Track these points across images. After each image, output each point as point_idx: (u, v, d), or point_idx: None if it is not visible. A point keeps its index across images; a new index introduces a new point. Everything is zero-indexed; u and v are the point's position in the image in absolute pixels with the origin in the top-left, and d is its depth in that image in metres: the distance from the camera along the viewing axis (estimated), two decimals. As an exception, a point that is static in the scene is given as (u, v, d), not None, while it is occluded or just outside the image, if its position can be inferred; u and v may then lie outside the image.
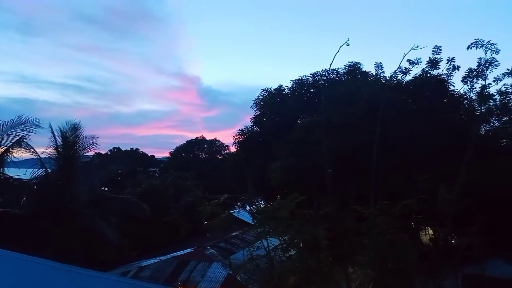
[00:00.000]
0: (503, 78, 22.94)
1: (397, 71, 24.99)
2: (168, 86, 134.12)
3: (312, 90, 26.40)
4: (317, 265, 11.09)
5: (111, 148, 51.77)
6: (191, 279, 21.45)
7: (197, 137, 49.54)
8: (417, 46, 14.15)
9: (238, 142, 28.04)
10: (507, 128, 24.51)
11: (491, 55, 18.96)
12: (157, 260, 22.94)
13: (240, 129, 28.41)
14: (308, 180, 20.54)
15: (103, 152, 47.30)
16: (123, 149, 53.93)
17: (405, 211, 11.16)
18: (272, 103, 26.82)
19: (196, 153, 48.58)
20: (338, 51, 13.42)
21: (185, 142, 49.59)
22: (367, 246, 11.19)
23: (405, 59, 24.88)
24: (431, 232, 21.08)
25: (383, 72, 24.85)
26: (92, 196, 22.76)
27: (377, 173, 13.23)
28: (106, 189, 33.94)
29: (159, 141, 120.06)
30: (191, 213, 28.69)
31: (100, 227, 21.49)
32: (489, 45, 18.39)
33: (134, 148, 55.04)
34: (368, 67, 26.96)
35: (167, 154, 52.32)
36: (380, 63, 24.48)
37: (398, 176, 17.02)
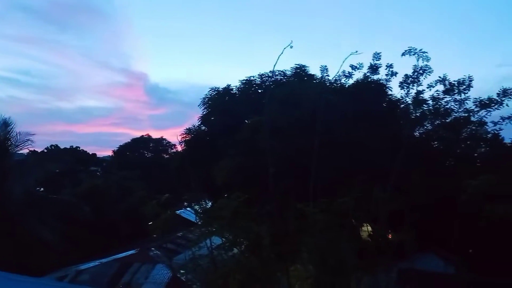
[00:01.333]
0: (436, 85, 24.92)
1: (340, 75, 26.18)
2: (113, 82, 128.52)
3: (260, 91, 26.69)
4: (260, 263, 11.27)
5: (48, 146, 48.71)
6: (134, 281, 20.93)
7: (142, 136, 48.04)
8: (356, 52, 14.85)
9: (185, 141, 27.62)
10: (438, 131, 26.49)
11: (423, 62, 20.36)
12: (97, 263, 22.05)
13: (188, 128, 28.04)
14: (254, 180, 20.77)
15: (40, 150, 44.39)
16: (63, 147, 51.00)
17: (344, 209, 11.68)
18: (220, 103, 26.73)
19: (141, 152, 47.10)
20: (282, 53, 13.75)
21: (129, 141, 48.01)
22: (307, 243, 11.57)
23: (348, 63, 26.14)
24: (370, 228, 22.26)
25: (328, 75, 25.77)
26: (27, 197, 21.32)
27: (317, 172, 13.68)
28: (42, 189, 31.87)
29: (102, 139, 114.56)
30: (135, 214, 27.86)
31: (37, 229, 20.20)
32: (421, 53, 19.76)
33: (74, 146, 52.31)
34: (315, 70, 27.81)
35: (110, 153, 50.35)
36: (325, 66, 25.37)
37: (338, 175, 17.72)
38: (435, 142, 26.82)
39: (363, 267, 12.34)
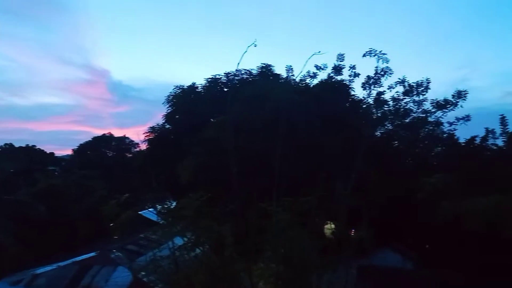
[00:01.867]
0: (396, 86, 25.80)
1: (305, 75, 26.55)
2: (73, 79, 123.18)
3: (225, 89, 26.53)
4: (222, 262, 11.19)
5: (2, 145, 46.08)
6: (94, 284, 20.36)
7: (104, 134, 46.47)
8: (319, 52, 15.06)
9: (148, 139, 26.99)
10: (398, 131, 27.43)
11: (383, 63, 21.01)
12: (54, 266, 21.21)
13: (151, 126, 27.41)
14: (218, 179, 20.65)
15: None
16: (17, 146, 48.41)
17: (306, 208, 11.82)
18: (185, 101, 26.33)
19: (103, 151, 45.54)
20: (246, 51, 13.70)
21: (91, 139, 46.26)
22: (270, 242, 11.60)
23: (312, 64, 26.50)
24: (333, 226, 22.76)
25: (293, 75, 26.05)
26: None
27: (281, 171, 13.77)
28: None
29: (61, 137, 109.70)
30: (96, 214, 26.97)
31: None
32: (381, 55, 20.38)
33: (30, 145, 49.78)
34: (280, 69, 28.06)
35: (70, 152, 48.31)
36: (291, 66, 25.64)
37: (302, 174, 17.94)
38: (395, 142, 27.74)
39: (325, 264, 12.54)
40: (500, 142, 24.63)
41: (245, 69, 26.35)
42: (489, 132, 24.57)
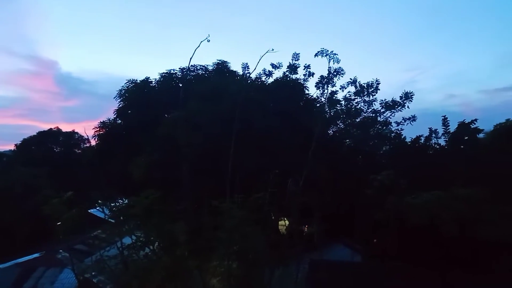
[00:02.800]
0: (348, 86, 26.66)
1: (261, 73, 26.75)
2: (17, 70, 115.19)
3: (181, 85, 26.08)
4: (174, 261, 11.01)
5: None
6: (39, 287, 19.40)
7: (51, 129, 43.84)
8: (273, 50, 15.22)
9: (98, 135, 25.93)
10: (349, 130, 28.39)
11: (334, 63, 21.64)
12: (-6, 269, 19.93)
13: (102, 121, 26.33)
14: (173, 176, 20.30)
15: None
16: (-48, 140, 44.52)
17: (259, 204, 11.93)
18: (138, 95, 25.55)
19: (49, 147, 43.03)
20: (199, 46, 13.54)
21: (35, 134, 43.41)
22: (223, 239, 11.59)
23: (268, 62, 26.62)
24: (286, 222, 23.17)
25: (249, 73, 26.13)
26: None
27: (235, 168, 13.79)
28: None
29: (3, 132, 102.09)
30: (41, 214, 25.49)
31: None
32: (332, 55, 20.96)
33: (-33, 139, 45.94)
34: (236, 66, 28.02)
35: (12, 147, 45.09)
36: (247, 63, 25.70)
37: (256, 171, 18.06)
38: (347, 140, 28.68)
39: (277, 260, 12.75)
40: (442, 141, 26.25)
41: (200, 65, 26.08)
42: (433, 132, 26.08)
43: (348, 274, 17.09)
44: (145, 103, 25.07)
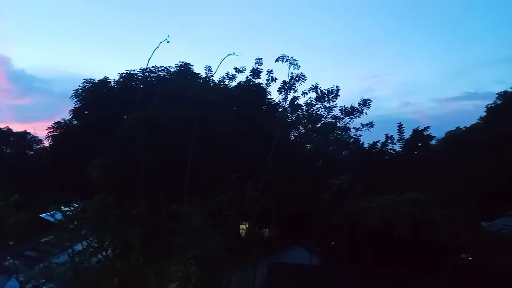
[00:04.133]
0: (309, 92, 27.15)
1: (224, 76, 26.70)
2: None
3: (141, 86, 25.52)
4: (128, 267, 10.69)
5: None
6: (-16, 295, 18.18)
7: (0, 128, 41.36)
8: (233, 53, 15.26)
9: (52, 136, 24.78)
10: (310, 135, 28.92)
11: (294, 69, 22.02)
12: None
13: (57, 121, 25.19)
14: (131, 179, 19.78)
15: None
16: None
17: (218, 208, 11.86)
18: (96, 95, 24.69)
19: (-1, 147, 40.61)
20: (158, 47, 13.32)
21: (-18, 133, 40.58)
22: (180, 244, 11.40)
23: (231, 66, 26.75)
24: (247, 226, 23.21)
25: (212, 76, 25.99)
26: None
27: (194, 171, 13.65)
28: None
29: None
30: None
31: None
32: (292, 61, 21.32)
33: None
34: (199, 69, 27.83)
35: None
36: (210, 66, 25.53)
37: (216, 174, 17.99)
38: (308, 145, 29.20)
39: (235, 264, 12.72)
40: (397, 147, 27.39)
41: (162, 66, 25.63)
42: (388, 138, 27.15)
43: (305, 277, 17.36)
44: (103, 104, 24.28)
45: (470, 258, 21.76)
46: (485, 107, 32.63)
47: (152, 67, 25.47)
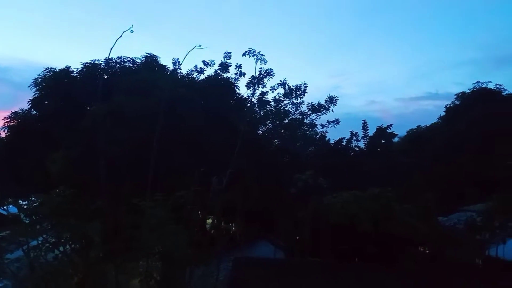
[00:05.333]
0: (277, 88, 27.38)
1: (192, 69, 26.38)
2: None
3: (106, 77, 24.67)
4: (87, 263, 10.39)
5: None
6: None
7: (-46, 119, 38.86)
8: (200, 46, 15.10)
9: (9, 126, 23.52)
10: (279, 130, 29.18)
11: (261, 64, 22.12)
12: None
13: (14, 111, 23.89)
14: (94, 172, 19.16)
15: None
16: None
17: (181, 202, 11.74)
18: (57, 85, 23.56)
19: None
20: (121, 36, 12.95)
21: None
22: (142, 239, 11.20)
23: (200, 59, 26.40)
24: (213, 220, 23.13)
25: (180, 68, 25.57)
26: None
27: (158, 165, 13.42)
28: None
29: None
30: None
31: None
32: (260, 55, 21.40)
33: None
34: (167, 61, 27.29)
35: None
36: (178, 59, 25.11)
37: (181, 169, 17.75)
38: (275, 140, 29.45)
39: (199, 258, 12.66)
40: (362, 144, 28.18)
41: (128, 57, 24.84)
42: (353, 135, 27.89)
43: (270, 271, 17.55)
44: (65, 94, 23.28)
45: (428, 252, 22.80)
46: (445, 107, 34.17)
47: (118, 57, 24.63)
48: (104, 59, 24.23)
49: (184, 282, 12.71)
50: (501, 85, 31.96)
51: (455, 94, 33.32)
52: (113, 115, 20.38)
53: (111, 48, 13.59)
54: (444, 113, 34.30)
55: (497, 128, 27.26)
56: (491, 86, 31.76)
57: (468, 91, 32.41)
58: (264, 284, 16.37)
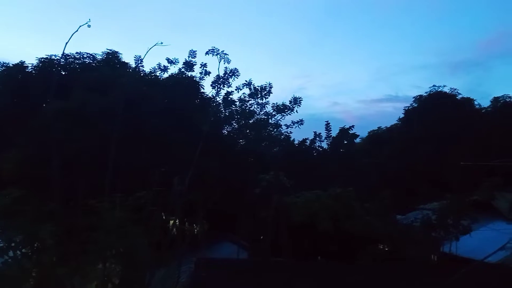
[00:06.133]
0: (243, 88, 27.28)
1: (156, 67, 25.85)
2: None
3: (64, 73, 23.73)
4: (39, 267, 9.92)
5: None
6: None
7: None
8: (161, 43, 14.84)
9: (-44, 123, 22.12)
10: (243, 130, 29.15)
11: (224, 63, 21.97)
12: None
13: (-39, 108, 22.48)
14: (50, 173, 18.36)
15: None
16: None
17: (141, 203, 11.46)
18: (9, 81, 22.51)
19: None
20: (77, 30, 12.46)
21: None
22: (99, 241, 10.83)
23: (162, 56, 25.88)
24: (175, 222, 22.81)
25: (143, 66, 25.02)
26: None
27: (117, 165, 13.04)
28: None
29: None
30: None
31: None
32: (223, 54, 21.29)
33: None
34: (129, 58, 26.63)
35: None
36: (140, 56, 24.52)
37: (142, 169, 17.37)
38: (241, 140, 29.42)
39: (159, 260, 12.43)
40: (325, 144, 28.78)
41: (88, 53, 24.06)
42: (317, 135, 28.41)
43: (232, 271, 17.50)
44: (19, 90, 22.22)
45: (386, 249, 23.60)
46: (404, 109, 35.59)
47: (77, 53, 23.80)
48: (62, 55, 23.29)
49: (144, 284, 12.43)
50: (455, 89, 33.80)
51: (413, 97, 34.82)
52: (72, 112, 19.66)
53: (66, 43, 13.01)
54: (403, 115, 35.72)
55: (450, 130, 28.71)
56: (446, 90, 33.48)
57: (425, 94, 33.93)
58: (227, 285, 16.31)
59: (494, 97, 36.03)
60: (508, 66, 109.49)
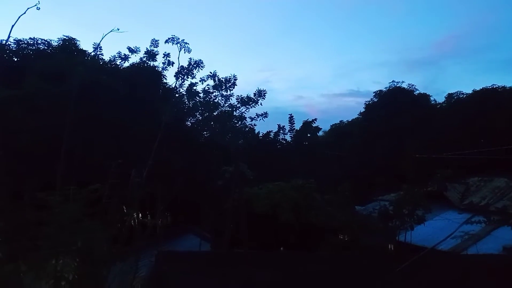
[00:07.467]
0: (207, 79, 26.91)
1: (116, 56, 24.95)
2: None
3: (16, 59, 22.44)
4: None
5: None
6: None
7: None
8: (118, 29, 14.32)
9: None
10: (207, 122, 28.84)
11: (185, 53, 21.52)
12: None
13: None
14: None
15: None
16: None
17: (96, 196, 11.03)
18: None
19: None
20: (25, 12, 11.73)
21: None
22: (50, 237, 10.34)
23: (124, 45, 25.01)
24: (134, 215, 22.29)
25: (102, 54, 24.08)
26: None
27: (71, 157, 12.52)
28: None
29: None
30: None
31: None
32: (184, 43, 20.86)
33: None
34: (87, 45, 25.55)
35: None
36: (99, 44, 23.55)
37: (98, 161, 16.83)
38: (205, 132, 29.14)
39: (115, 255, 12.06)
40: (288, 137, 29.09)
41: (42, 39, 22.85)
42: (281, 128, 28.66)
43: (195, 264, 17.37)
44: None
45: (346, 239, 24.33)
46: (364, 103, 36.60)
47: (30, 38, 22.53)
48: (14, 40, 22.02)
49: (101, 280, 12.05)
50: (413, 85, 35.15)
51: (374, 92, 35.88)
52: (24, 101, 18.66)
53: (12, 26, 12.04)
54: (364, 109, 36.74)
55: (408, 124, 29.85)
56: (404, 85, 34.74)
57: (385, 89, 35.02)
58: (188, 277, 16.16)
59: (448, 94, 37.94)
60: (458, 65, 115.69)
